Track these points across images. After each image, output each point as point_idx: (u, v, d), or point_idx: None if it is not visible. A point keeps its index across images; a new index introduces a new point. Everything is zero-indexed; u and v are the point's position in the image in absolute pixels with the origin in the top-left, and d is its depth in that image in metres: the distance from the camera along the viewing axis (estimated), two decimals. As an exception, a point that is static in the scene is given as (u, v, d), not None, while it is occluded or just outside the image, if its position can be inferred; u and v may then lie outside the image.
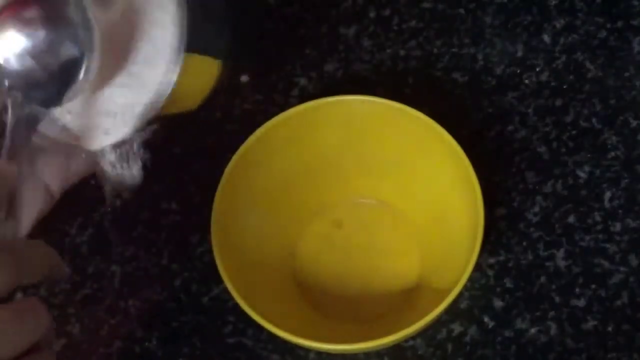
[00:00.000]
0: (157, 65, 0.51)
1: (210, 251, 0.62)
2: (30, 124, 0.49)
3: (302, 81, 0.74)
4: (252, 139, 0.64)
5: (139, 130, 0.53)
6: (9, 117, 0.48)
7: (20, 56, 0.48)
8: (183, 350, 0.65)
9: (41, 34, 0.47)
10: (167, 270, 0.68)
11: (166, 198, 0.70)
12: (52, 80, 0.48)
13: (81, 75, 0.49)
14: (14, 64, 0.48)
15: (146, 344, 0.66)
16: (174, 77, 0.51)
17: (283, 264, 0.67)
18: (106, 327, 0.67)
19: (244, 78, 0.75)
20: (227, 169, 0.63)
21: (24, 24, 0.47)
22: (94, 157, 0.53)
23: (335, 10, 0.77)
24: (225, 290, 0.61)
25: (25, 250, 0.44)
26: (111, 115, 0.52)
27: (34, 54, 0.48)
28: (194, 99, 0.57)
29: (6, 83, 0.48)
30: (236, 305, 0.59)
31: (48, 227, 0.70)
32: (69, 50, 0.48)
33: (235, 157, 0.63)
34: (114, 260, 0.69)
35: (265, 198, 0.66)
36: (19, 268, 0.41)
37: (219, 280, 0.65)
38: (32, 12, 0.47)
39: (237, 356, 0.65)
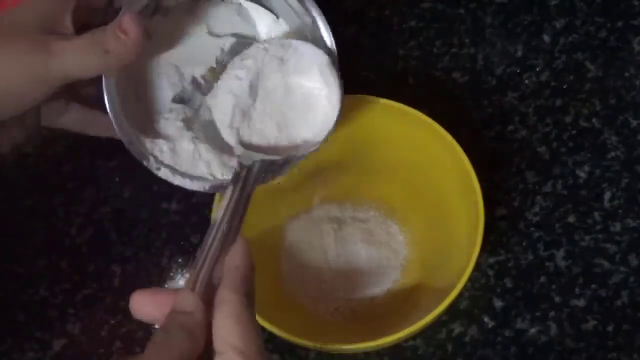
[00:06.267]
0: None
1: (210, 251, 0.62)
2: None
3: (302, 81, 0.74)
4: (252, 139, 0.64)
5: None
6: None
7: None
8: (183, 350, 0.65)
9: None
10: (167, 270, 0.68)
11: (166, 198, 0.70)
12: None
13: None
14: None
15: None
16: None
17: (283, 264, 0.67)
18: (106, 327, 0.66)
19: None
20: (227, 169, 0.63)
21: None
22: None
23: (335, 10, 0.77)
24: (225, 290, 0.61)
25: None
26: None
27: None
28: None
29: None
30: (236, 305, 0.59)
31: (49, 227, 0.70)
32: None
33: (235, 157, 0.63)
34: (114, 260, 0.69)
35: (265, 197, 0.66)
36: None
37: (219, 280, 0.65)
38: None
39: (237, 356, 0.65)
